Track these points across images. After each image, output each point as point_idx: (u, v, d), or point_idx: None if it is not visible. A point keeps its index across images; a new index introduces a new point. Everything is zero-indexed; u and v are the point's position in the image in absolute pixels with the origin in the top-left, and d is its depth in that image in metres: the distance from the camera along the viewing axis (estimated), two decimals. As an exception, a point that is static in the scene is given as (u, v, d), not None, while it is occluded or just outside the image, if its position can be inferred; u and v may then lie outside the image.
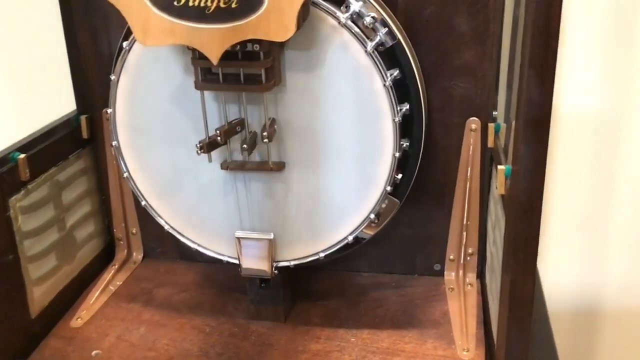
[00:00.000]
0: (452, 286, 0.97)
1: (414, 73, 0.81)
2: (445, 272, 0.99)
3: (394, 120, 0.77)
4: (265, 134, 0.76)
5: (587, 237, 1.21)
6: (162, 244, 1.07)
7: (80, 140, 1.00)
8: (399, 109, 0.78)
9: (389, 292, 0.98)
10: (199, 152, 0.77)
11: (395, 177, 0.82)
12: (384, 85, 0.76)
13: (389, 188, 0.80)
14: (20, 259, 0.86)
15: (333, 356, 0.85)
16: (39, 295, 0.90)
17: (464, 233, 0.97)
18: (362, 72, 0.76)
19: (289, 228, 0.85)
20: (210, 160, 0.80)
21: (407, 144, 0.82)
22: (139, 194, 0.87)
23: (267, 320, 0.92)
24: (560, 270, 1.23)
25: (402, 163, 0.83)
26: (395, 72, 0.79)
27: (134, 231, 1.07)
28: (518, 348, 0.68)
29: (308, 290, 0.99)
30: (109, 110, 0.84)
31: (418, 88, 0.82)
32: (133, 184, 0.87)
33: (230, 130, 0.77)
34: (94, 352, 0.87)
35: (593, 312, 1.27)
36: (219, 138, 0.76)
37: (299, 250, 0.85)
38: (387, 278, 1.01)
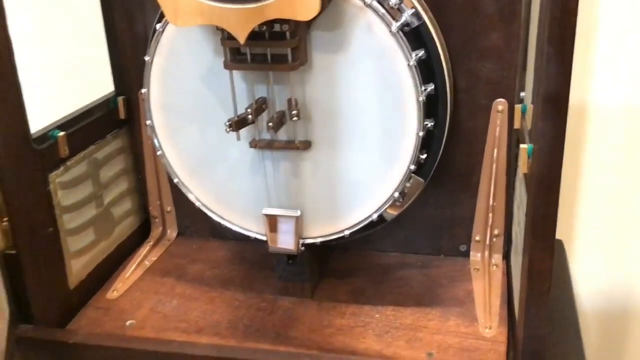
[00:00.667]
0: (477, 267, 0.98)
1: (439, 54, 0.82)
2: (471, 253, 1.00)
3: (418, 99, 0.78)
4: (294, 112, 0.78)
5: (619, 237, 1.20)
6: (195, 222, 1.11)
7: (117, 121, 1.04)
8: (423, 89, 0.79)
9: (414, 271, 0.99)
10: (228, 130, 0.80)
11: (419, 156, 0.83)
12: (409, 65, 0.77)
13: (412, 167, 0.82)
14: (60, 232, 0.90)
15: (357, 331, 0.87)
16: (77, 268, 0.95)
17: (490, 214, 0.97)
18: (387, 52, 0.77)
19: (315, 206, 0.87)
20: (238, 138, 0.82)
21: (432, 124, 0.83)
22: (171, 171, 0.90)
23: (294, 296, 0.94)
24: (591, 271, 1.22)
25: (427, 143, 0.85)
26: (421, 53, 0.80)
27: (168, 209, 1.10)
28: (536, 323, 0.69)
29: (335, 268, 1.01)
30: (143, 91, 0.87)
31: (443, 69, 0.83)
32: (166, 161, 0.90)
33: (258, 108, 0.80)
34: (128, 322, 0.91)
35: (623, 313, 1.25)
36: (249, 117, 0.79)
37: (324, 228, 0.88)
38: (413, 258, 1.02)
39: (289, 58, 0.76)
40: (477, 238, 0.99)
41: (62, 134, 0.90)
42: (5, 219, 0.81)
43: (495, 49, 0.90)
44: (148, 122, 0.89)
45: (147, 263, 1.05)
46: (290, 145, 0.84)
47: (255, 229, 0.90)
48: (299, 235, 0.88)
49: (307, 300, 0.94)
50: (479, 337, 0.84)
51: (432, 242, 1.02)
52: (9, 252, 0.82)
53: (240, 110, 0.81)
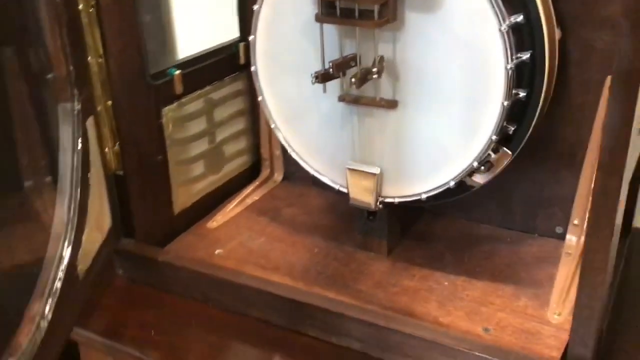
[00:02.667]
0: (569, 251, 0.92)
1: (541, 20, 0.77)
2: (566, 237, 0.94)
3: (506, 67, 0.75)
4: (374, 70, 0.79)
5: None
6: (299, 169, 1.13)
7: (237, 65, 1.10)
8: (515, 56, 0.76)
9: (501, 246, 0.96)
10: (314, 81, 0.82)
11: (506, 126, 0.80)
12: (499, 29, 0.74)
13: (494, 137, 0.79)
14: (169, 162, 1.00)
15: (420, 295, 0.87)
16: (183, 196, 1.04)
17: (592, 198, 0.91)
18: (478, 15, 0.74)
19: (395, 166, 0.87)
20: (324, 90, 0.85)
21: (524, 94, 0.79)
22: (269, 117, 0.95)
23: (371, 251, 0.96)
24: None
25: (518, 114, 0.81)
26: (519, 18, 0.76)
27: (277, 153, 1.16)
28: (586, 315, 0.65)
29: (421, 231, 1.01)
30: (251, 38, 0.92)
31: (543, 36, 0.78)
32: (265, 107, 0.95)
33: (343, 63, 0.81)
34: (217, 251, 0.99)
35: None
36: (331, 70, 0.81)
37: (403, 189, 0.88)
38: (505, 233, 0.99)
39: (375, 15, 0.76)
40: (576, 222, 0.93)
41: (178, 72, 0.98)
42: (117, 144, 0.91)
43: (616, 19, 0.82)
44: (252, 67, 0.93)
45: (248, 201, 1.12)
46: (375, 102, 0.84)
47: (339, 181, 0.93)
48: (378, 192, 0.89)
49: (382, 257, 0.95)
50: (544, 322, 0.81)
51: (527, 220, 0.98)
52: (118, 174, 0.93)
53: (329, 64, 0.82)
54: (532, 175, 0.95)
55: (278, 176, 1.18)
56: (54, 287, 0.75)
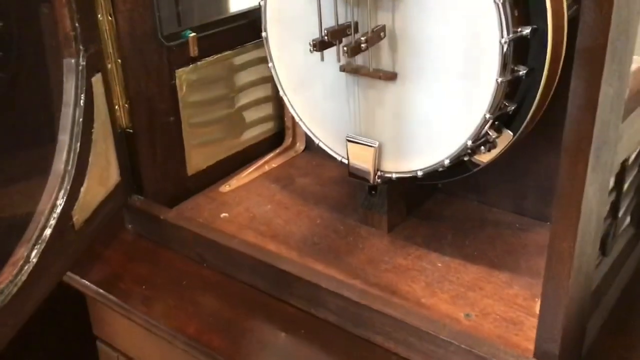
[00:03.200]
0: (578, 243, 0.87)
1: (547, -7, 0.72)
2: (578, 228, 0.89)
3: (500, 41, 0.71)
4: (362, 39, 0.76)
5: None
6: (320, 140, 1.14)
7: (260, 31, 1.10)
8: (514, 30, 0.71)
9: (508, 232, 0.92)
10: (311, 50, 0.81)
11: (504, 105, 0.76)
12: (494, 0, 0.70)
13: (488, 115, 0.75)
14: (182, 123, 1.01)
15: (409, 274, 0.85)
16: (198, 159, 1.06)
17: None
18: (474, -15, 0.71)
19: (394, 140, 0.85)
20: (322, 59, 0.83)
21: (524, 71, 0.74)
22: (278, 83, 0.94)
23: (372, 227, 0.94)
24: None
25: (520, 93, 0.77)
26: (520, -11, 0.71)
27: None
28: (552, 308, 0.61)
29: (430, 210, 0.98)
30: (261, 2, 0.91)
31: (546, 8, 0.72)
32: (275, 74, 0.94)
33: (338, 31, 0.79)
34: (222, 215, 1.00)
35: None
36: (325, 37, 0.79)
37: (399, 164, 0.85)
38: (515, 219, 0.95)
39: (369, -19, 0.73)
40: (589, 212, 0.88)
41: (192, 35, 0.99)
42: (127, 101, 0.94)
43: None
44: (263, 33, 0.93)
45: (266, 168, 1.13)
46: (374, 74, 0.82)
47: (342, 153, 0.91)
48: (376, 166, 0.87)
49: (382, 233, 0.93)
50: (530, 313, 0.77)
51: (540, 207, 0.93)
52: (128, 131, 0.95)
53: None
54: (548, 160, 0.90)
55: (300, 146, 1.18)
56: (43, 234, 0.78)
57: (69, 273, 0.91)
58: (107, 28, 0.89)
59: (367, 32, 0.78)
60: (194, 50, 0.99)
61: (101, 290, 0.89)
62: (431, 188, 1.01)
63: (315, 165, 1.13)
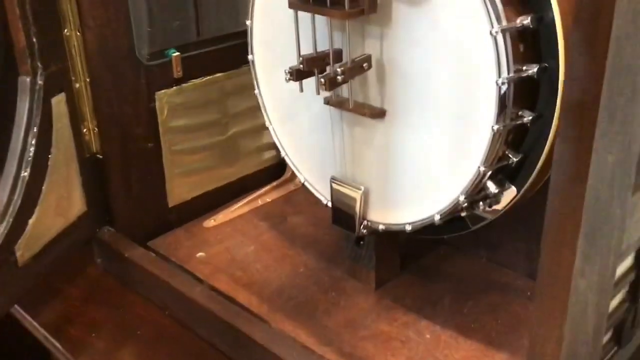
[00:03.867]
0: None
1: (557, 23, 0.59)
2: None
3: (497, 81, 0.58)
4: (338, 70, 0.65)
5: None
6: (321, 174, 1.03)
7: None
8: (516, 68, 0.58)
9: (516, 300, 0.78)
10: (287, 78, 0.70)
11: (507, 155, 0.63)
12: (491, 32, 0.57)
13: (483, 169, 0.62)
14: (163, 149, 0.92)
15: (392, 345, 0.73)
16: (181, 189, 0.96)
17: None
18: (468, 12, 0.58)
19: (381, 186, 0.73)
20: (301, 89, 0.72)
21: (529, 118, 0.61)
22: (264, 112, 0.84)
23: (359, 281, 0.82)
24: None
25: (527, 142, 0.64)
26: (526, 20, 0.59)
27: (300, 154, 1.05)
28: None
29: (429, 266, 0.85)
30: (248, 22, 0.81)
31: (558, 45, 0.59)
32: (261, 101, 0.84)
33: (315, 59, 0.68)
34: (198, 254, 0.90)
35: None
36: (301, 66, 0.68)
37: (388, 215, 0.73)
38: (528, 285, 0.81)
39: (346, 3, 0.62)
40: (615, 286, 0.73)
41: (176, 54, 0.89)
42: (97, 125, 0.85)
43: None
44: (250, 56, 0.83)
45: (259, 202, 1.02)
46: (359, 110, 0.70)
47: (327, 195, 0.80)
48: (361, 215, 0.75)
49: (369, 289, 0.81)
50: (524, 411, 0.63)
51: (558, 273, 0.79)
52: (97, 156, 0.87)
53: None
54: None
55: (299, 180, 1.07)
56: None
57: (19, 310, 0.83)
58: (75, 44, 0.81)
59: (347, 62, 0.66)
60: (177, 71, 0.90)
61: (47, 335, 0.80)
62: (433, 240, 0.88)
63: (313, 203, 0.99)
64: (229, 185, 1.02)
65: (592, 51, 0.35)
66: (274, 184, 1.06)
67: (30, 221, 0.77)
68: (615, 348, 0.60)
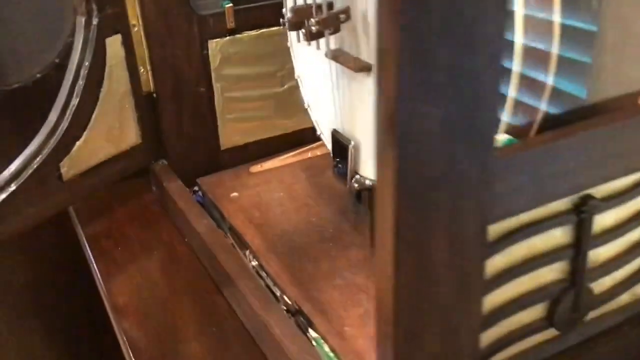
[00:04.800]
0: None
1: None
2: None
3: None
4: (313, 20, 0.66)
5: None
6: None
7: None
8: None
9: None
10: (283, 27, 0.73)
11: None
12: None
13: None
14: (215, 95, 0.99)
15: (357, 297, 0.74)
16: (234, 134, 1.03)
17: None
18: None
19: (367, 141, 0.73)
20: (298, 40, 0.74)
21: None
22: (295, 68, 0.88)
23: (361, 235, 0.84)
24: None
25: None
26: None
27: (356, 112, 1.06)
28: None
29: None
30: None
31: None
32: (293, 54, 0.87)
33: (302, 10, 0.70)
34: (232, 194, 0.97)
35: None
36: (288, 16, 0.71)
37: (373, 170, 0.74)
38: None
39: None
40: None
41: (229, 5, 0.96)
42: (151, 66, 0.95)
43: None
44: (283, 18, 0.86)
45: (309, 155, 1.06)
46: (346, 63, 0.71)
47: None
48: (352, 169, 0.77)
49: (365, 246, 0.82)
50: None
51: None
52: (149, 93, 0.96)
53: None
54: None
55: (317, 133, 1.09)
56: (21, 176, 0.83)
57: (75, 218, 0.96)
58: (135, -10, 0.90)
59: (323, 14, 0.68)
60: (230, 22, 0.97)
61: (86, 243, 0.92)
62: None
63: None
64: (284, 136, 1.07)
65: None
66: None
67: (78, 143, 0.89)
68: (552, 329, 0.56)
